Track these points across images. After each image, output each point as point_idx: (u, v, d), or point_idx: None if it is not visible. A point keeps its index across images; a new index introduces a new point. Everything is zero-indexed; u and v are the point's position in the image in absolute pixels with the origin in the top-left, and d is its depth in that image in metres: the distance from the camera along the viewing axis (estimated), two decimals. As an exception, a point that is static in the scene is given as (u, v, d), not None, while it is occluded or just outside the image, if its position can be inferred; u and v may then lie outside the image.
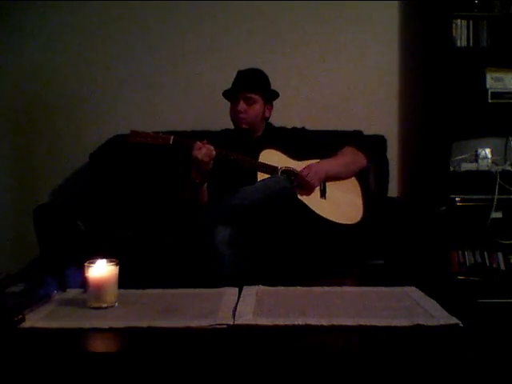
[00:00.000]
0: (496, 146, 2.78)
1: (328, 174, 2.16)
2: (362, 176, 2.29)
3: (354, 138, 2.49)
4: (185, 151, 2.04)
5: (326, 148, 2.25)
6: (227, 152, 2.06)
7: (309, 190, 2.10)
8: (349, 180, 2.24)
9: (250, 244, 1.87)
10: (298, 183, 2.09)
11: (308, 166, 2.13)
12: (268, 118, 2.30)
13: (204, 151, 1.99)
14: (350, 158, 2.25)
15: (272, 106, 2.30)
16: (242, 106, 2.18)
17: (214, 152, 2.00)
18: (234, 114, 2.21)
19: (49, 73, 2.85)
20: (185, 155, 2.05)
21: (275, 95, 2.28)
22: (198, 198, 2.08)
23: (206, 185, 2.08)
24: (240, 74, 2.24)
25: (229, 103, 2.26)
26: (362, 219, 2.13)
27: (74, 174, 2.86)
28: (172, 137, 2.05)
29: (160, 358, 1.09)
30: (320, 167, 2.14)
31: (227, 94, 2.25)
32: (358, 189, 2.24)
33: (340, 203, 2.15)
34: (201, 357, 1.11)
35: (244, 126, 2.20)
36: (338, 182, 2.20)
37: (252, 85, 2.20)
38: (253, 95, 2.19)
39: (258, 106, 2.21)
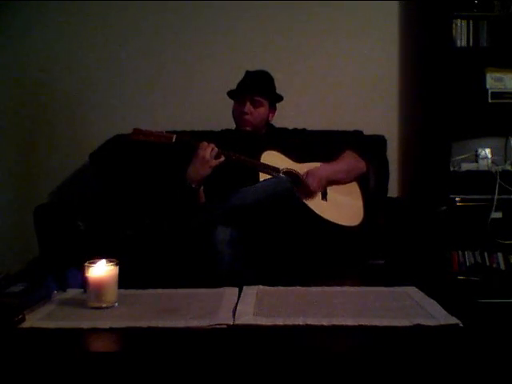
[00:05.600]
0: (496, 146, 2.78)
1: (329, 180, 2.16)
2: (362, 179, 2.28)
3: (354, 140, 2.49)
4: (186, 151, 2.05)
5: (327, 150, 2.24)
6: (230, 152, 2.06)
7: (311, 196, 2.09)
8: (349, 183, 2.24)
9: (250, 244, 1.87)
10: (302, 190, 2.07)
11: (311, 174, 2.10)
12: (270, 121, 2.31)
13: (209, 151, 2.00)
14: (350, 164, 2.24)
15: (275, 109, 2.30)
16: (248, 107, 2.18)
17: (223, 157, 2.01)
18: (239, 115, 2.20)
19: (49, 72, 2.85)
20: (185, 155, 2.06)
21: (280, 99, 2.28)
22: (194, 202, 2.08)
23: (202, 188, 2.08)
24: (249, 74, 2.24)
25: (230, 104, 2.26)
26: (363, 222, 2.12)
27: (74, 174, 2.86)
28: (174, 135, 2.05)
29: (160, 358, 1.09)
30: (322, 173, 2.12)
31: (233, 94, 2.25)
32: (359, 192, 2.24)
33: (341, 205, 2.15)
34: (200, 357, 1.10)
35: (248, 128, 2.20)
36: (338, 184, 2.20)
37: (261, 88, 2.20)
38: (260, 98, 2.19)
39: (263, 110, 2.22)
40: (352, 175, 2.24)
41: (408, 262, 2.04)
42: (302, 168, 2.16)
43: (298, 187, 2.08)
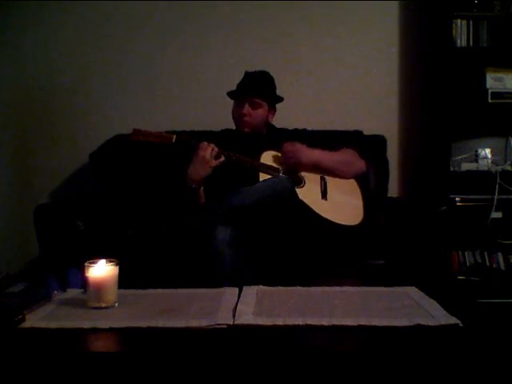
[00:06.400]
0: (496, 146, 2.78)
1: (319, 165, 2.15)
2: (361, 178, 2.28)
3: (354, 140, 2.49)
4: (186, 151, 2.05)
5: (327, 150, 2.24)
6: (230, 153, 2.06)
7: (290, 166, 2.09)
8: (349, 182, 2.24)
9: (250, 244, 1.87)
10: (283, 156, 2.10)
11: (292, 143, 2.12)
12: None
13: (209, 151, 2.00)
14: (348, 157, 2.24)
15: (275, 110, 2.30)
16: (247, 109, 2.18)
17: (223, 157, 2.01)
18: (238, 116, 2.21)
19: (49, 73, 2.85)
20: (185, 155, 2.06)
21: (280, 100, 2.28)
22: (195, 202, 2.08)
23: (202, 188, 2.08)
24: (248, 75, 2.24)
25: (229, 103, 2.26)
26: (363, 221, 2.12)
27: (74, 174, 2.86)
28: (174, 136, 2.05)
29: (160, 358, 1.09)
30: (308, 151, 2.13)
31: (232, 95, 2.25)
32: (359, 191, 2.23)
33: (341, 205, 2.14)
34: (201, 357, 1.10)
35: (247, 129, 2.20)
36: (338, 183, 2.19)
37: (260, 90, 2.20)
38: (259, 100, 2.19)
39: (262, 111, 2.22)
40: (350, 169, 2.23)
41: (408, 262, 2.04)
42: (301, 168, 2.17)
43: (298, 187, 2.08)
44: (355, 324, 1.20)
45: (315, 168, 2.15)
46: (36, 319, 1.27)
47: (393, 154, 2.80)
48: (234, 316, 1.25)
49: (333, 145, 2.28)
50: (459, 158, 2.72)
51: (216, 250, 1.80)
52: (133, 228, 2.16)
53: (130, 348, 1.17)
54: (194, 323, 1.21)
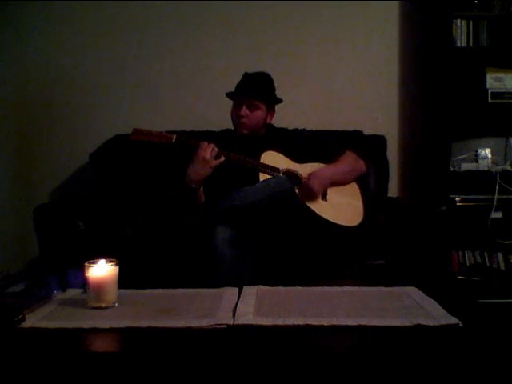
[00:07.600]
0: (496, 146, 2.78)
1: (331, 181, 2.16)
2: (361, 179, 2.28)
3: (354, 140, 2.49)
4: (186, 151, 2.05)
5: (327, 150, 2.24)
6: (230, 153, 2.06)
7: (313, 198, 2.09)
8: (349, 183, 2.25)
9: (250, 244, 1.87)
10: (304, 191, 2.08)
11: (314, 175, 2.11)
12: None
13: (209, 151, 2.00)
14: (351, 165, 2.24)
15: (274, 111, 2.29)
16: (244, 110, 2.17)
17: (223, 157, 2.01)
18: (236, 118, 2.20)
19: (49, 73, 2.85)
20: (185, 155, 2.06)
21: (278, 102, 2.28)
22: (194, 202, 2.08)
23: (201, 188, 2.08)
24: (246, 77, 2.23)
25: (230, 103, 2.26)
26: (363, 222, 2.12)
27: (74, 174, 2.86)
28: (174, 135, 2.05)
29: (160, 358, 1.09)
30: (324, 175, 2.13)
31: (231, 96, 2.25)
32: (358, 192, 2.24)
33: (341, 205, 2.15)
34: (201, 357, 1.10)
35: (244, 131, 2.20)
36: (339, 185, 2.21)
37: (258, 92, 2.19)
38: (257, 102, 2.19)
39: (260, 113, 2.21)
40: (352, 176, 2.24)
41: (408, 261, 2.04)
42: (301, 168, 2.16)
43: (298, 187, 2.08)
44: (355, 324, 1.20)
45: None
46: (36, 319, 1.27)
47: (393, 154, 2.80)
48: (234, 316, 1.25)
49: (332, 146, 2.28)
50: (459, 158, 2.72)
51: (216, 249, 1.81)
52: (133, 228, 2.16)
53: (130, 348, 1.17)
54: (194, 323, 1.21)
